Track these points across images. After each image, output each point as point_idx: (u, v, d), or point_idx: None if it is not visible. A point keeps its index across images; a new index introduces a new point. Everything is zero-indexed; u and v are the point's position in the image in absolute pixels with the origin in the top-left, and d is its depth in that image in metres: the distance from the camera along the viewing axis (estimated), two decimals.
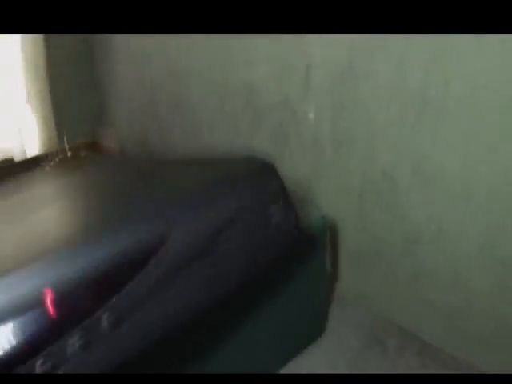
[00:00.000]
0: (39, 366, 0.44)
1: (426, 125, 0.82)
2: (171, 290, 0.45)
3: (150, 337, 0.48)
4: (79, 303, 0.46)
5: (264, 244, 0.52)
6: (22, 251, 0.49)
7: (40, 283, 0.44)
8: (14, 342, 0.43)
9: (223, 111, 1.22)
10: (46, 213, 0.59)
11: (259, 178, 0.54)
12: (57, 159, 1.28)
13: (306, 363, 0.89)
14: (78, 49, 1.77)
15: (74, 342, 0.46)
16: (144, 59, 1.49)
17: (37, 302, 0.43)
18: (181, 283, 0.45)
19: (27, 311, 0.43)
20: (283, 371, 0.89)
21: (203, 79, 1.27)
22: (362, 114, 0.92)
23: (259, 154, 0.59)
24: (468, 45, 0.72)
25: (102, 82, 1.79)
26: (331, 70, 0.95)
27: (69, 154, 1.28)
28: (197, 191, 0.48)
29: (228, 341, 0.73)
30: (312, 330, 0.89)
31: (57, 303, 0.44)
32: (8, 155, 1.71)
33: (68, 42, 1.70)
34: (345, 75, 0.93)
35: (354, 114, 0.95)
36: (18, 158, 1.66)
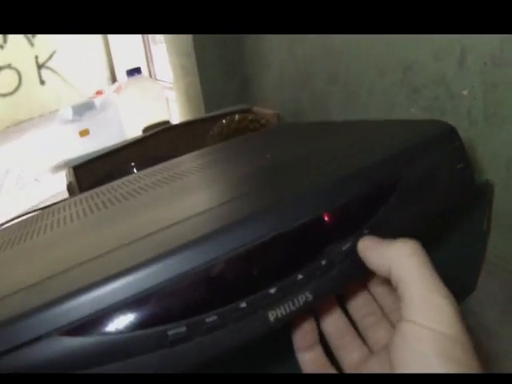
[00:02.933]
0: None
1: None
2: None
3: None
4: None
5: (444, 199, 0.56)
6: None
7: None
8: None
9: (380, 85, 1.37)
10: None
11: (448, 140, 0.59)
12: (224, 122, 1.40)
13: None
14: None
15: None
16: (295, 40, 1.67)
17: None
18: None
19: None
20: None
21: (361, 55, 1.43)
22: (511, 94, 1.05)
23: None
24: None
25: (250, 54, 1.99)
26: (484, 54, 1.08)
27: (236, 117, 1.42)
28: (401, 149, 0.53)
29: None
30: (465, 286, 0.94)
31: None
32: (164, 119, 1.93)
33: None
34: (496, 59, 1.05)
35: (504, 94, 1.08)
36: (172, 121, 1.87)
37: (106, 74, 4.76)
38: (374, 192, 0.48)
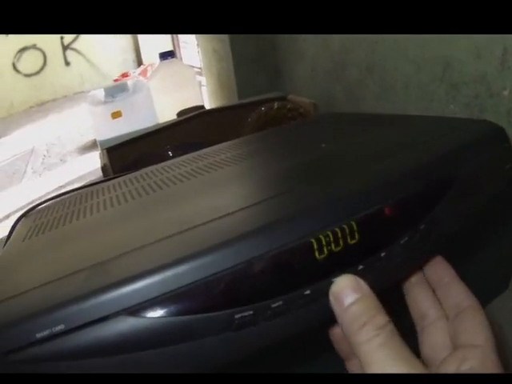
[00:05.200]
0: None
1: None
2: None
3: None
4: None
5: (493, 198, 0.58)
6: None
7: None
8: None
9: (418, 80, 1.38)
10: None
11: (498, 141, 0.63)
12: (263, 109, 1.41)
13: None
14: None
15: None
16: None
17: None
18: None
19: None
20: None
21: (399, 48, 1.44)
22: None
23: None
24: None
25: (283, 43, 2.00)
26: None
27: (275, 105, 1.43)
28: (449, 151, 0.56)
29: None
30: (497, 284, 0.96)
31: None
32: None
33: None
34: None
35: None
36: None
37: (132, 56, 4.79)
38: (430, 189, 0.49)
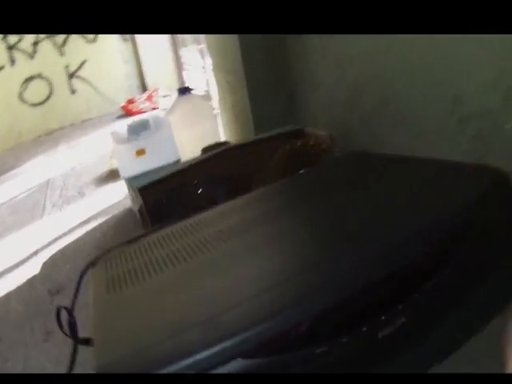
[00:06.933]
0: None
1: None
2: None
3: None
4: None
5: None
6: None
7: None
8: None
9: (431, 112, 1.53)
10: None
11: (502, 191, 0.78)
12: (287, 147, 1.56)
13: None
14: (273, 49, 2.14)
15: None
16: (345, 61, 1.83)
17: None
18: None
19: None
20: None
21: (413, 80, 1.59)
22: None
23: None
24: None
25: (298, 73, 2.15)
26: None
27: (298, 143, 1.57)
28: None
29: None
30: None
31: None
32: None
33: (262, 41, 2.07)
34: None
35: None
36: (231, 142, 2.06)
37: (136, 82, 4.96)
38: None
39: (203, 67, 3.90)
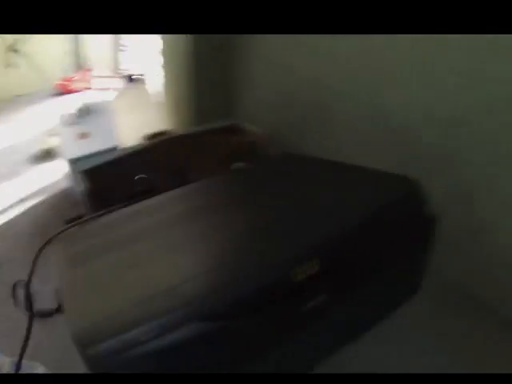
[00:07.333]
0: None
1: None
2: None
3: None
4: None
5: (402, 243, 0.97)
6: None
7: None
8: None
9: (356, 122, 1.69)
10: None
11: (412, 199, 0.97)
12: (224, 144, 1.69)
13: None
14: (219, 49, 2.25)
15: None
16: (285, 69, 1.98)
17: None
18: None
19: None
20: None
21: (342, 92, 1.75)
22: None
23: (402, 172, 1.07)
24: None
25: (238, 81, 2.29)
26: (443, 112, 1.41)
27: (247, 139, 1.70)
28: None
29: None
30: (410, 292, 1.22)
31: None
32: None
33: (210, 41, 2.17)
34: (452, 120, 1.39)
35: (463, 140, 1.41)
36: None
37: (73, 60, 4.94)
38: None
39: (141, 49, 3.94)
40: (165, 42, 2.48)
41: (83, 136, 2.06)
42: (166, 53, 2.51)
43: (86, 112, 2.09)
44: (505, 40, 1.16)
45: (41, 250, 1.10)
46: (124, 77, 2.31)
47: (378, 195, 0.96)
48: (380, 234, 0.91)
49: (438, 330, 1.39)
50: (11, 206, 2.28)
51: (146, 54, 3.84)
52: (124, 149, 1.88)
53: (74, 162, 2.01)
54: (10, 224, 2.11)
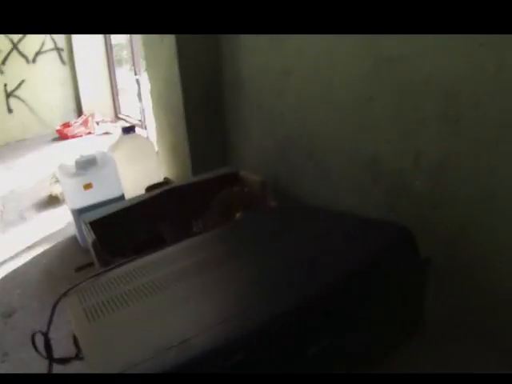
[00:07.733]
0: None
1: None
2: None
3: None
4: None
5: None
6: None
7: None
8: None
9: (349, 168, 1.81)
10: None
11: (403, 249, 1.09)
12: (223, 195, 1.81)
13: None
14: (212, 97, 2.40)
15: None
16: (276, 117, 2.10)
17: None
18: None
19: None
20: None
21: (332, 140, 1.87)
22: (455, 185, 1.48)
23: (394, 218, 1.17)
24: None
25: (232, 128, 2.42)
26: (431, 158, 1.52)
27: (245, 189, 1.82)
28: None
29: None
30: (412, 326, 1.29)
31: None
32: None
33: (202, 90, 2.31)
34: (443, 163, 1.50)
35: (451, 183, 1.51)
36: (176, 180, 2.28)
37: (72, 105, 5.09)
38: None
39: (138, 95, 4.09)
40: (153, 91, 2.61)
41: (87, 187, 2.17)
42: (156, 100, 2.64)
43: (87, 164, 2.20)
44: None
45: (58, 301, 1.19)
46: (122, 126, 2.42)
47: (375, 245, 1.08)
48: (378, 281, 1.03)
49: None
50: (19, 253, 2.38)
51: (144, 101, 4.01)
52: (129, 200, 1.98)
53: (78, 212, 2.12)
54: (18, 272, 2.20)
